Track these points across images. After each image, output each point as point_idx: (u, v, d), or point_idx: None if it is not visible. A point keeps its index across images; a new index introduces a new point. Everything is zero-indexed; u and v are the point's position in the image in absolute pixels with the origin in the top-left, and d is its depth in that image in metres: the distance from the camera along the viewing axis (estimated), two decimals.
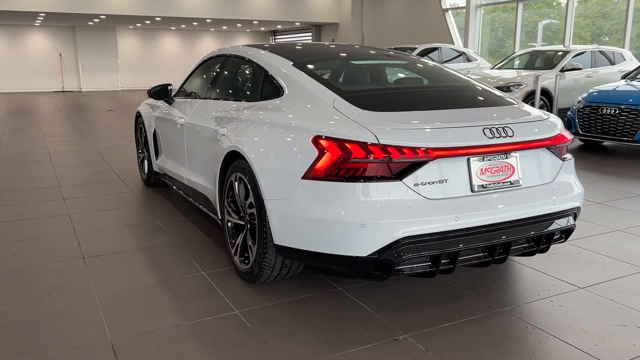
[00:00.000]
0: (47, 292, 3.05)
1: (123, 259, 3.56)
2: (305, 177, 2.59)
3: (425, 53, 13.04)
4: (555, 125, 2.99)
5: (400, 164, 2.51)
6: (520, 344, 2.50)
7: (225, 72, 4.06)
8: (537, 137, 2.84)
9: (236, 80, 3.96)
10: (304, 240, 2.65)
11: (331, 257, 2.59)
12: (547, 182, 2.91)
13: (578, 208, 3.02)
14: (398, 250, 2.48)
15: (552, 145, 2.91)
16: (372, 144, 2.49)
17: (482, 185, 2.68)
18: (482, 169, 2.68)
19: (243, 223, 3.13)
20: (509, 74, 10.06)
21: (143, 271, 3.35)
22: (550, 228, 2.88)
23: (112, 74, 25.76)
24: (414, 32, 19.17)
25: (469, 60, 13.67)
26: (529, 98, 9.31)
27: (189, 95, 4.43)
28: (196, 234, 4.03)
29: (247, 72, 3.85)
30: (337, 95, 2.88)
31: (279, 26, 26.24)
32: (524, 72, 10.05)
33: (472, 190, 2.65)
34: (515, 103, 3.19)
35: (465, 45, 16.89)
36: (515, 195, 2.77)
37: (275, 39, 29.00)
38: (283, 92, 3.15)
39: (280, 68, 3.31)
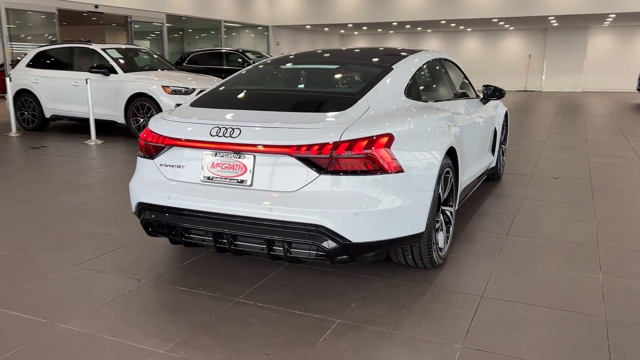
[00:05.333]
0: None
1: None
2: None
3: None
4: (314, 135, 2.79)
5: (153, 147, 3.22)
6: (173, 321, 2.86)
7: None
8: (267, 142, 2.82)
9: None
10: None
11: None
12: (287, 191, 2.83)
13: (322, 227, 2.74)
14: (139, 213, 3.24)
15: (289, 153, 2.79)
16: (150, 130, 3.30)
17: (209, 177, 3.00)
18: (213, 163, 3.00)
19: None
20: None
21: None
22: (275, 236, 2.83)
23: (576, 75, 25.22)
24: None
25: None
26: None
27: None
28: None
29: None
30: (204, 91, 3.64)
31: None
32: None
33: (201, 180, 3.03)
34: (335, 111, 3.02)
35: None
36: (239, 193, 2.91)
37: None
38: None
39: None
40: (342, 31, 28.61)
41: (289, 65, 4.16)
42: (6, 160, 7.44)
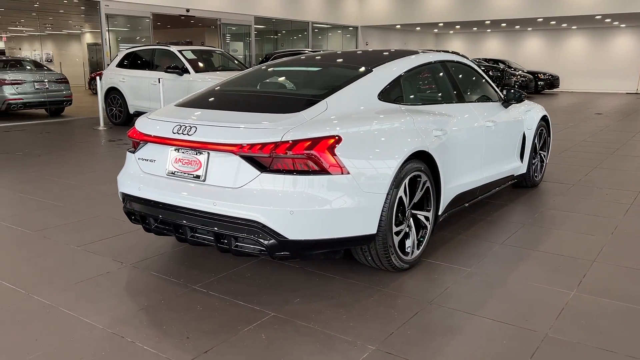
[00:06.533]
0: None
1: None
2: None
3: None
4: (257, 135, 2.92)
5: (135, 143, 3.52)
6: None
7: None
8: (216, 140, 2.99)
9: None
10: None
11: None
12: (232, 187, 2.98)
13: (259, 223, 2.87)
14: (123, 201, 3.56)
15: (234, 152, 2.94)
16: (134, 127, 3.61)
17: (172, 172, 3.24)
18: (176, 159, 3.23)
19: None
20: None
21: None
22: (220, 230, 3.00)
23: None
24: None
25: None
26: None
27: None
28: None
29: None
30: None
31: None
32: None
33: (166, 174, 3.28)
34: (290, 112, 3.12)
35: None
36: (193, 187, 3.11)
37: None
38: None
39: None
40: (435, 30, 28.04)
41: (279, 68, 4.31)
42: (82, 151, 8.27)
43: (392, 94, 3.66)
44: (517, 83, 20.35)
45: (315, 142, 2.93)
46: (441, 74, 4.32)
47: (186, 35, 22.63)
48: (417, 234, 3.60)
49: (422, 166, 3.47)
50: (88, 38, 28.82)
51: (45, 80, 12.90)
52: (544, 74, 23.39)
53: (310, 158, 2.91)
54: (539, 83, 22.82)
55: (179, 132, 3.17)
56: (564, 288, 3.25)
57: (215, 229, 3.03)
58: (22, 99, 12.42)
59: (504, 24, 23.71)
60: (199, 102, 3.66)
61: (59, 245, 3.99)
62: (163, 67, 10.72)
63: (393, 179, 3.20)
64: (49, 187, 5.84)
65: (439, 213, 3.81)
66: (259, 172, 2.94)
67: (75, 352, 2.53)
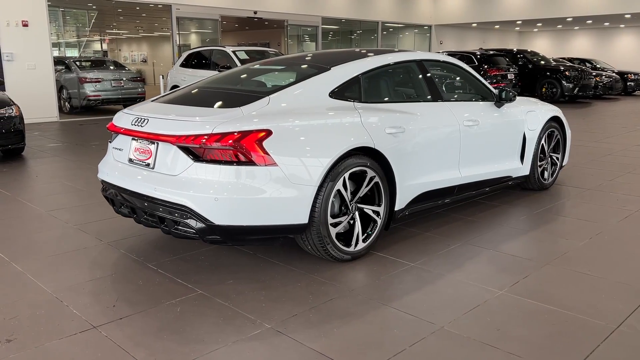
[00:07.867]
0: None
1: None
2: None
3: None
4: (191, 127, 3.19)
5: (111, 134, 3.93)
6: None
7: None
8: (160, 131, 3.30)
9: None
10: None
11: None
12: (172, 175, 3.27)
13: (188, 208, 3.14)
14: (102, 186, 3.98)
15: (172, 142, 3.23)
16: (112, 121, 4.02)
17: (131, 159, 3.59)
18: (135, 148, 3.58)
19: None
20: None
21: None
22: (161, 213, 3.31)
23: None
24: None
25: None
26: None
27: None
28: None
29: None
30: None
31: None
32: None
33: (127, 160, 3.64)
34: (233, 108, 3.37)
35: None
36: (144, 173, 3.44)
37: None
38: None
39: None
40: (517, 29, 26.96)
41: (255, 67, 4.57)
42: None
43: (347, 91, 3.79)
44: (601, 84, 19.13)
45: (244, 134, 3.16)
46: (413, 73, 4.36)
47: (263, 37, 23.45)
48: (367, 227, 3.72)
49: (367, 162, 3.58)
50: (177, 40, 30.65)
51: (122, 79, 14.01)
52: (635, 74, 21.77)
53: (237, 149, 3.14)
54: (629, 84, 21.29)
55: (135, 124, 3.52)
56: (495, 287, 3.24)
57: (156, 212, 3.34)
58: (100, 95, 13.58)
59: (589, 21, 22.37)
60: (169, 97, 4.01)
61: (59, 223, 4.51)
62: (217, 66, 11.33)
63: (326, 172, 3.35)
64: (85, 174, 6.48)
65: (397, 209, 3.89)
66: (192, 162, 3.21)
67: (16, 311, 2.94)
